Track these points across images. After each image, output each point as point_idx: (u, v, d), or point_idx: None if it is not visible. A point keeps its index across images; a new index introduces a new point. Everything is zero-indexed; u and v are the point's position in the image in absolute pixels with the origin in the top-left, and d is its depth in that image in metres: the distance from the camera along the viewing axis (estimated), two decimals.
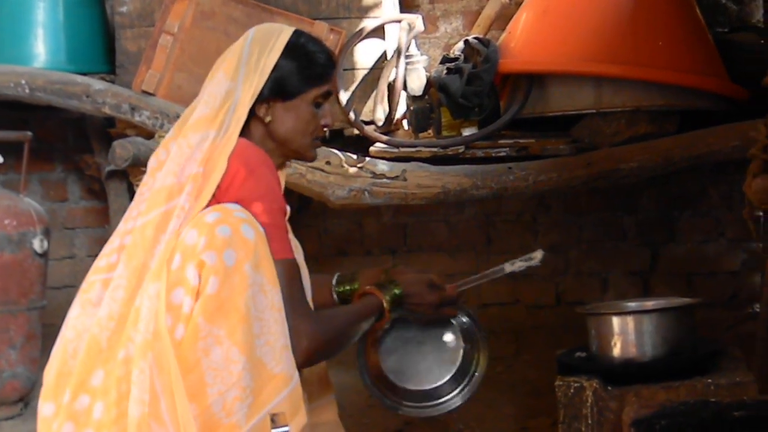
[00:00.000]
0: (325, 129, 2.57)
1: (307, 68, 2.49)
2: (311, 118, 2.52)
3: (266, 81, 2.44)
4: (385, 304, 2.59)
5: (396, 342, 2.77)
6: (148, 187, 2.42)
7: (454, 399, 2.75)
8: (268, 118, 2.47)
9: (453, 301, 2.76)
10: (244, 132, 2.43)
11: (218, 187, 2.34)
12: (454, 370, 2.75)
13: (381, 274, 2.74)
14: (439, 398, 2.74)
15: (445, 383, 2.75)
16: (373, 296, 2.60)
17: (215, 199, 2.33)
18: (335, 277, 2.78)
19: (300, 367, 2.31)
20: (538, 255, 2.70)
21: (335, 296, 2.75)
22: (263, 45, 2.47)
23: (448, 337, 2.78)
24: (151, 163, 2.46)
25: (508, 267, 2.74)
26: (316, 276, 2.63)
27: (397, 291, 2.63)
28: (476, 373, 2.75)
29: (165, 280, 2.24)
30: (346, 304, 2.72)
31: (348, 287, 2.76)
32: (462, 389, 2.76)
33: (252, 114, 2.45)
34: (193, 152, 2.37)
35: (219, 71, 2.47)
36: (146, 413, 2.19)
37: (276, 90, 2.46)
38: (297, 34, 2.51)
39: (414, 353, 2.76)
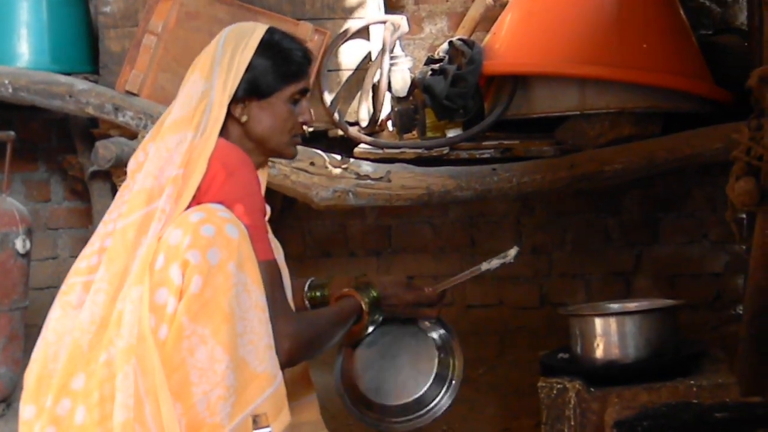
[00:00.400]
0: (304, 126, 2.57)
1: (281, 65, 2.48)
2: (288, 116, 2.51)
3: (241, 80, 2.44)
4: (363, 306, 2.59)
5: (370, 358, 2.75)
6: (128, 189, 2.41)
7: (435, 407, 2.73)
8: (244, 118, 2.47)
9: (432, 303, 2.75)
10: (222, 132, 2.42)
11: (198, 188, 2.33)
12: (431, 379, 2.73)
13: (351, 282, 2.73)
14: (421, 409, 2.72)
15: (424, 393, 2.73)
16: (352, 298, 2.60)
17: (196, 201, 2.32)
18: (308, 282, 2.78)
19: (282, 367, 2.31)
20: (512, 252, 2.69)
21: (306, 302, 2.74)
22: (236, 44, 2.46)
23: (422, 347, 2.76)
24: (131, 165, 2.46)
25: (485, 266, 2.73)
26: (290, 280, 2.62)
27: (374, 293, 2.63)
28: (453, 380, 2.74)
29: (148, 283, 2.24)
30: (315, 308, 2.72)
31: (318, 293, 2.75)
32: (442, 396, 2.74)
33: (228, 114, 2.44)
34: (171, 154, 2.36)
35: (194, 72, 2.47)
36: (131, 418, 2.19)
37: (250, 89, 2.45)
38: (270, 31, 2.50)
39: (389, 368, 2.74)
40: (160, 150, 2.39)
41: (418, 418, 2.73)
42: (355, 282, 2.72)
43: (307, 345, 2.37)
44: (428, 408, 2.72)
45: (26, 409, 2.31)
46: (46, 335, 2.34)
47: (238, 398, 2.22)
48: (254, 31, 2.49)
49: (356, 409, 2.74)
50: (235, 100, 2.45)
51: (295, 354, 2.33)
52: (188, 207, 2.32)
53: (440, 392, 2.72)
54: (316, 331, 2.42)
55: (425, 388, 2.72)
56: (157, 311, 2.22)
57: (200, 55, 2.50)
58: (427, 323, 2.77)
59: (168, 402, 2.19)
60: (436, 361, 2.73)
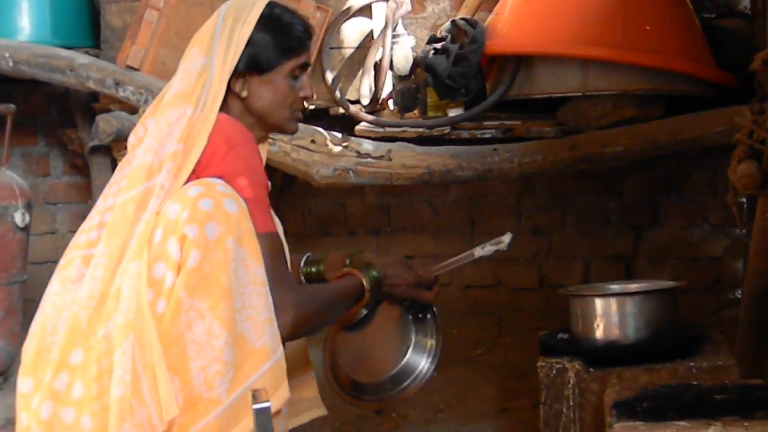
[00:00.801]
0: (305, 101, 2.55)
1: (282, 40, 2.46)
2: (289, 91, 2.50)
3: (241, 55, 2.42)
4: (365, 285, 2.58)
5: (353, 339, 2.74)
6: (128, 164, 2.40)
7: (422, 372, 2.71)
8: (244, 93, 2.45)
9: (430, 285, 2.73)
10: (223, 107, 2.41)
11: (198, 163, 2.32)
12: (411, 345, 2.70)
13: (346, 258, 2.72)
14: (409, 376, 2.71)
15: (406, 361, 2.71)
16: (353, 277, 2.58)
17: (195, 175, 2.31)
18: (304, 258, 2.76)
19: (285, 339, 2.30)
20: (506, 239, 2.67)
21: (302, 277, 2.73)
22: (236, 18, 2.44)
23: (401, 328, 2.74)
24: (131, 140, 2.45)
25: (478, 251, 2.70)
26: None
27: (375, 273, 2.61)
28: (434, 344, 2.71)
29: (146, 256, 2.23)
30: (309, 284, 2.72)
31: (314, 269, 2.75)
32: (426, 362, 2.71)
33: (229, 89, 2.43)
34: (171, 129, 2.35)
35: (194, 47, 2.45)
36: (128, 393, 2.18)
37: (251, 64, 2.44)
38: (271, 5, 2.48)
39: (368, 347, 2.73)
40: (159, 125, 2.38)
41: (410, 384, 2.71)
42: (350, 259, 2.71)
43: (310, 318, 2.36)
44: (402, 386, 2.70)
45: (24, 382, 2.31)
46: (45, 309, 2.34)
47: (235, 373, 2.22)
48: (254, 5, 2.47)
49: (340, 388, 2.73)
50: (235, 75, 2.43)
51: (298, 325, 2.32)
52: (188, 181, 2.31)
53: (424, 357, 2.70)
54: (319, 305, 2.41)
55: (399, 367, 2.70)
56: (155, 285, 2.21)
57: (200, 29, 2.49)
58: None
59: (165, 377, 2.18)
60: (413, 339, 2.70)
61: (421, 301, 2.70)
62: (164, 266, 2.21)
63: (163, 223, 2.24)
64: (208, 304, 2.20)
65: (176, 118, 2.36)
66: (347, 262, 2.71)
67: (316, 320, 2.40)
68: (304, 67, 2.52)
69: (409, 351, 2.67)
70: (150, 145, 2.36)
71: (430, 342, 2.70)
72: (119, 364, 2.19)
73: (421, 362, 2.68)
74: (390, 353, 2.69)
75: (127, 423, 2.17)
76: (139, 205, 2.30)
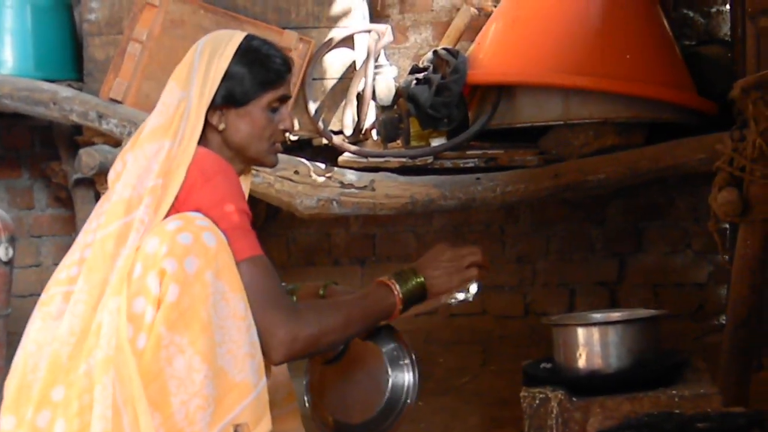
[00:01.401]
0: (285, 133, 2.55)
1: (259, 73, 2.46)
2: (267, 124, 2.49)
3: (218, 88, 2.42)
4: (396, 294, 2.44)
5: (333, 384, 2.70)
6: (107, 199, 2.40)
7: (409, 392, 2.66)
8: (221, 126, 2.45)
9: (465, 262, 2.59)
10: (202, 141, 2.40)
11: (176, 198, 2.32)
12: (384, 401, 2.66)
13: (319, 288, 2.70)
14: (396, 406, 2.67)
15: (390, 389, 2.66)
16: (382, 285, 2.46)
17: (174, 209, 2.31)
18: None
19: (280, 360, 2.28)
20: (473, 289, 2.63)
21: None
22: (213, 51, 2.44)
23: (377, 367, 2.68)
24: (110, 175, 2.45)
25: (444, 298, 2.65)
26: None
27: (417, 279, 2.49)
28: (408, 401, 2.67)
29: (125, 293, 2.23)
30: None
31: None
32: (408, 380, 2.66)
33: (207, 122, 2.43)
34: (150, 163, 2.35)
35: (171, 81, 2.45)
36: (109, 429, 2.18)
37: (228, 97, 2.43)
38: (248, 38, 2.48)
39: (347, 383, 2.68)
40: (138, 159, 2.37)
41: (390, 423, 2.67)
42: (324, 290, 2.68)
43: (309, 332, 2.29)
44: (392, 417, 2.66)
45: (6, 419, 2.30)
46: (26, 346, 2.33)
47: (216, 407, 2.21)
48: (231, 39, 2.47)
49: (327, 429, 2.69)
50: (212, 108, 2.43)
51: (294, 342, 2.27)
52: (168, 216, 2.30)
53: (400, 398, 2.66)
54: (321, 318, 2.32)
55: (385, 399, 2.65)
56: (135, 320, 2.20)
57: (179, 64, 2.49)
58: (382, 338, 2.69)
59: (146, 412, 2.18)
60: (389, 370, 2.65)
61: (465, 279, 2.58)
62: (144, 301, 2.21)
63: (142, 257, 2.23)
64: (188, 339, 2.19)
65: (154, 152, 2.36)
66: (320, 292, 2.70)
67: (317, 333, 2.31)
68: (283, 99, 2.52)
69: (390, 381, 2.65)
70: (128, 180, 2.36)
71: (407, 367, 2.65)
72: (99, 400, 2.18)
73: (405, 384, 2.64)
74: (371, 387, 2.66)
75: None
76: (118, 240, 2.30)
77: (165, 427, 2.18)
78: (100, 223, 2.35)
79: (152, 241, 2.23)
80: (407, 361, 2.61)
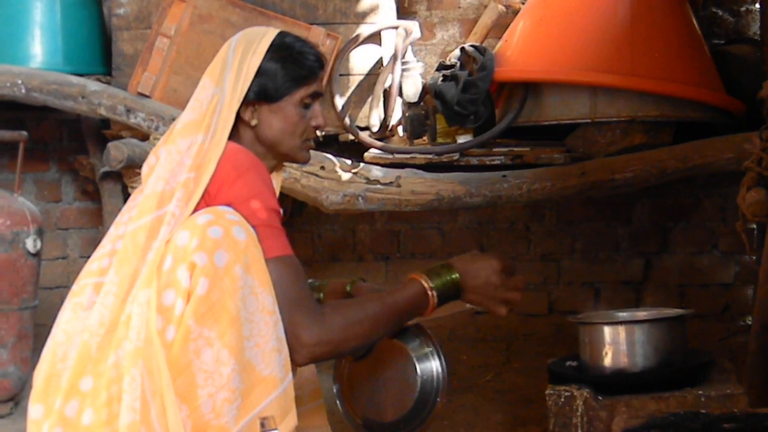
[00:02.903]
0: (317, 130, 2.56)
1: (292, 69, 2.47)
2: (299, 120, 2.50)
3: (251, 84, 2.43)
4: (428, 290, 2.42)
5: (362, 382, 2.70)
6: (140, 192, 2.42)
7: (438, 389, 2.66)
8: (254, 122, 2.46)
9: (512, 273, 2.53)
10: (234, 136, 2.42)
11: (207, 191, 2.32)
12: (418, 372, 2.66)
13: (347, 285, 2.70)
14: (426, 404, 2.67)
15: (420, 389, 2.66)
16: (414, 281, 2.44)
17: (205, 203, 2.32)
18: None
19: (303, 363, 2.29)
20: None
21: None
22: (246, 47, 2.45)
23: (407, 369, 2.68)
24: (144, 169, 2.46)
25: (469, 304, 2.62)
26: None
27: (452, 275, 2.45)
28: (440, 368, 2.66)
29: (155, 284, 2.24)
30: None
31: (314, 295, 2.73)
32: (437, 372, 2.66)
33: (240, 118, 2.44)
34: (182, 158, 2.36)
35: (205, 77, 2.47)
36: (137, 420, 2.19)
37: (261, 93, 2.44)
38: (282, 35, 2.49)
39: (375, 380, 2.68)
40: (171, 153, 2.39)
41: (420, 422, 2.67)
42: (351, 286, 2.68)
43: (333, 335, 2.29)
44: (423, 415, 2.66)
45: (34, 408, 2.32)
46: (56, 335, 2.35)
47: (243, 401, 2.22)
48: (265, 35, 2.48)
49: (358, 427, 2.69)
50: (245, 104, 2.44)
51: (318, 345, 2.27)
52: (197, 209, 2.31)
53: (429, 396, 2.65)
54: (346, 320, 2.31)
55: (408, 410, 2.65)
56: (165, 313, 2.22)
57: (213, 61, 2.50)
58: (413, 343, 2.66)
59: (173, 404, 2.19)
60: (417, 368, 2.65)
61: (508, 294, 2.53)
62: (174, 294, 2.22)
63: (173, 250, 2.25)
64: (216, 333, 2.20)
65: (187, 147, 2.37)
66: (348, 289, 2.70)
67: (342, 336, 2.30)
68: (315, 96, 2.52)
69: (419, 379, 2.65)
70: (161, 174, 2.37)
71: (435, 364, 2.65)
72: (128, 391, 2.20)
73: (435, 382, 2.64)
74: (400, 385, 2.66)
75: None
76: (150, 233, 2.31)
77: (192, 419, 2.19)
78: (132, 216, 2.36)
79: (183, 235, 2.25)
80: (435, 357, 2.61)
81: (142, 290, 2.25)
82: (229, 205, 2.31)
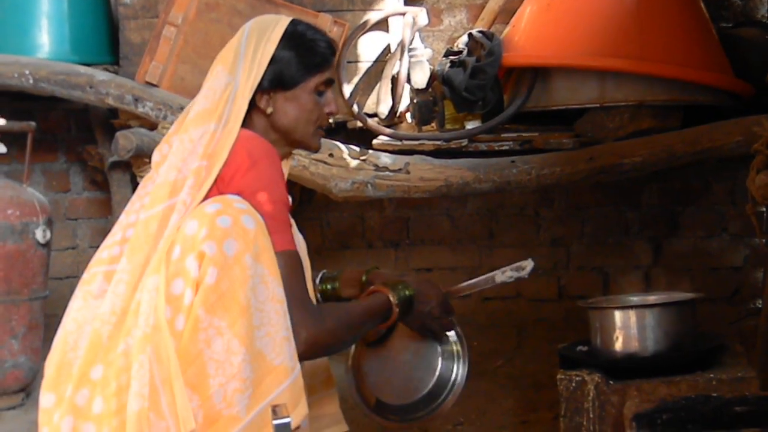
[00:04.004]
0: (330, 117, 2.56)
1: (306, 57, 2.47)
2: (314, 107, 2.51)
3: (265, 72, 2.43)
4: (393, 305, 2.54)
5: (376, 364, 2.72)
6: (151, 181, 2.41)
7: (456, 380, 2.69)
8: (269, 110, 2.47)
9: (449, 310, 2.69)
10: (247, 124, 2.42)
11: (221, 177, 2.33)
12: (439, 356, 2.70)
13: (362, 275, 2.72)
14: (444, 389, 2.69)
15: (439, 373, 2.69)
16: (382, 294, 2.55)
17: (217, 190, 2.32)
18: (319, 275, 2.77)
19: (300, 359, 2.31)
20: (527, 266, 2.64)
21: (318, 294, 2.73)
22: (260, 36, 2.46)
23: (426, 346, 2.72)
24: (155, 157, 2.46)
25: (499, 277, 2.64)
26: None
27: (408, 292, 2.57)
28: (461, 349, 2.70)
29: (164, 272, 2.24)
30: (327, 302, 2.72)
31: (329, 286, 2.75)
32: (457, 368, 2.70)
33: (253, 105, 2.45)
34: (195, 146, 2.36)
35: (218, 65, 2.47)
36: (145, 407, 2.19)
37: (276, 80, 2.45)
38: (294, 23, 2.50)
39: (394, 364, 2.71)
40: (183, 142, 2.39)
41: (436, 406, 2.70)
42: (366, 276, 2.71)
43: (327, 336, 2.34)
44: (439, 400, 2.69)
45: (46, 396, 2.32)
46: (67, 324, 2.35)
47: (254, 390, 2.22)
48: (278, 23, 2.49)
49: (380, 416, 2.71)
50: (260, 92, 2.44)
51: (314, 346, 2.31)
52: (208, 195, 2.32)
53: (449, 381, 2.69)
54: (337, 323, 2.38)
55: (427, 389, 2.68)
56: (174, 302, 2.22)
57: (224, 48, 2.50)
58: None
59: (182, 392, 2.19)
60: (438, 350, 2.70)
61: (442, 325, 2.69)
62: (182, 283, 2.22)
63: (181, 240, 2.25)
64: (226, 322, 2.20)
65: (200, 135, 2.37)
66: (363, 278, 2.71)
67: (333, 339, 2.37)
68: (328, 83, 2.54)
69: (439, 363, 2.67)
70: (174, 162, 2.37)
71: (456, 347, 2.69)
72: (136, 377, 2.20)
73: (453, 370, 2.67)
74: (419, 369, 2.68)
75: None
76: (162, 221, 2.31)
77: (203, 409, 2.19)
78: (144, 204, 2.36)
79: (191, 224, 2.25)
80: (460, 358, 2.64)
81: (150, 277, 2.25)
82: (239, 194, 2.31)
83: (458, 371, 2.67)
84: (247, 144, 2.36)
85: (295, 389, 2.27)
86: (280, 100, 2.47)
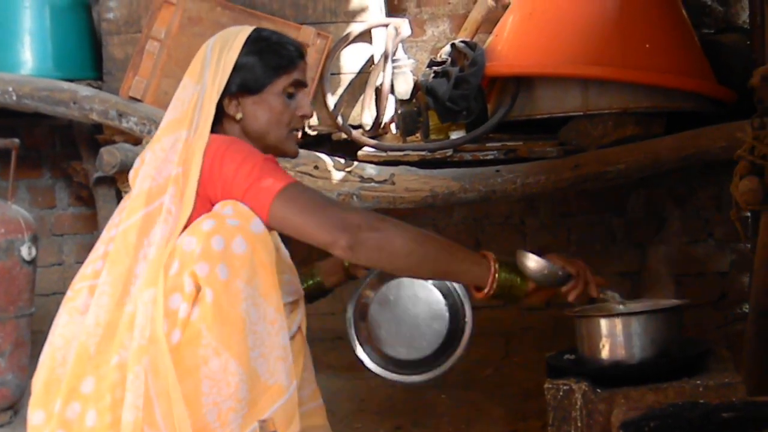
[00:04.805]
0: (304, 120, 2.58)
1: (270, 59, 2.50)
2: (284, 109, 2.52)
3: (231, 77, 2.46)
4: (495, 273, 2.45)
5: (384, 316, 2.76)
6: (128, 196, 2.44)
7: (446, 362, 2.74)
8: (239, 115, 2.49)
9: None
10: (219, 132, 2.45)
11: (200, 183, 2.34)
12: (442, 338, 2.74)
13: (340, 263, 2.74)
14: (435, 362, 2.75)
15: (436, 350, 2.75)
16: (485, 263, 2.46)
17: (203, 192, 2.33)
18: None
19: (355, 252, 2.29)
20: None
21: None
22: (223, 45, 2.50)
23: (431, 301, 2.77)
24: (130, 175, 2.49)
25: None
26: None
27: (518, 280, 2.50)
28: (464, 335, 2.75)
29: (162, 286, 2.25)
30: (317, 299, 2.74)
31: (311, 282, 2.77)
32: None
33: (225, 113, 2.47)
34: (167, 154, 2.39)
35: (185, 78, 2.51)
36: (140, 418, 2.20)
37: (242, 85, 2.48)
38: (258, 30, 2.55)
39: (403, 323, 2.75)
40: (156, 152, 2.42)
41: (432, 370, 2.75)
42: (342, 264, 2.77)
43: (371, 225, 2.30)
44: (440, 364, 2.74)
45: (35, 414, 2.33)
46: (54, 340, 2.35)
47: (249, 410, 2.25)
48: (240, 31, 2.54)
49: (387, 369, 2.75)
50: (228, 97, 2.47)
51: (359, 235, 2.29)
52: (196, 201, 2.32)
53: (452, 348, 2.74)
54: (393, 225, 2.32)
55: (437, 346, 2.73)
56: (170, 316, 2.24)
57: (192, 61, 2.53)
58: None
59: (180, 403, 2.20)
60: (447, 315, 2.73)
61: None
62: (179, 298, 2.24)
63: (180, 255, 2.27)
64: (224, 343, 2.22)
65: (171, 144, 2.40)
66: (346, 264, 2.73)
67: (384, 233, 2.31)
68: (297, 84, 2.55)
69: (447, 318, 2.70)
70: (148, 172, 2.40)
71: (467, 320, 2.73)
72: (131, 389, 2.21)
73: (460, 325, 2.72)
74: (423, 327, 2.72)
75: None
76: (141, 230, 2.33)
77: (195, 426, 2.20)
78: (122, 218, 2.38)
79: (189, 240, 2.27)
80: (461, 305, 2.68)
81: (146, 289, 2.26)
82: (225, 181, 2.32)
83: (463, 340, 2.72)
84: (213, 143, 2.38)
85: (289, 407, 2.29)
86: (249, 105, 2.50)
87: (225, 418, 2.22)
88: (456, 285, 2.80)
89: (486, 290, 2.46)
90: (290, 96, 2.54)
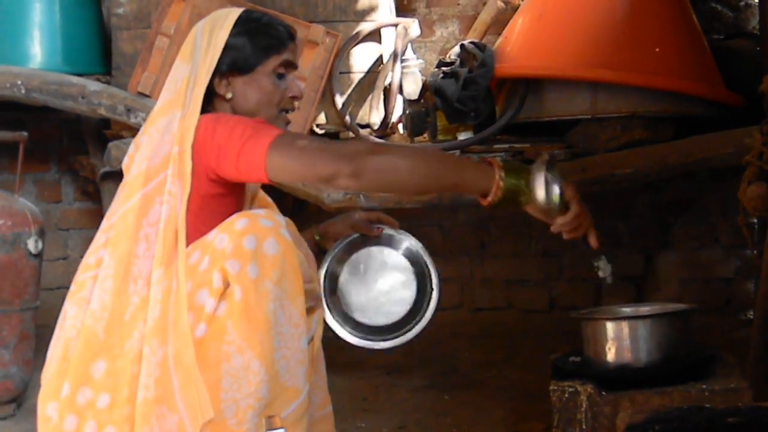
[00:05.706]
0: (294, 101, 2.58)
1: (260, 40, 2.51)
2: (274, 89, 2.53)
3: (221, 57, 2.47)
4: (498, 178, 2.42)
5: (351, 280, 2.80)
6: (124, 184, 2.44)
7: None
8: (229, 95, 2.50)
9: None
10: (210, 112, 2.46)
11: (193, 159, 2.34)
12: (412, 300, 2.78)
13: (315, 235, 2.82)
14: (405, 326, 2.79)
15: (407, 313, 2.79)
16: (489, 170, 2.43)
17: (197, 167, 2.34)
18: None
19: (361, 179, 2.29)
20: (606, 270, 2.72)
21: None
22: (213, 26, 2.51)
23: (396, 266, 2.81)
24: (125, 161, 2.49)
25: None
26: None
27: (521, 182, 2.46)
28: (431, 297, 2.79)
29: (183, 276, 2.25)
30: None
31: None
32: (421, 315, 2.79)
33: (216, 93, 2.48)
34: (163, 135, 2.40)
35: (177, 60, 2.52)
36: (151, 397, 2.21)
37: (232, 64, 2.49)
38: (248, 11, 2.56)
39: (370, 289, 2.79)
40: (151, 134, 2.44)
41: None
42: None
43: (373, 150, 2.32)
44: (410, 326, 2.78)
45: (48, 406, 2.33)
46: (67, 333, 2.35)
47: (265, 410, 2.26)
48: (230, 12, 2.55)
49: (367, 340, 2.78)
50: (219, 77, 2.48)
51: (365, 161, 2.29)
52: (193, 176, 2.33)
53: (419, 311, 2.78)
54: (392, 148, 2.37)
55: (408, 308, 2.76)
56: (196, 310, 2.25)
57: (183, 44, 2.55)
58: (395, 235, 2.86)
59: (201, 382, 2.21)
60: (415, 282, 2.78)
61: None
62: (207, 293, 2.26)
63: (211, 251, 2.28)
64: (249, 342, 2.23)
65: (166, 124, 2.41)
66: (317, 238, 2.78)
67: (385, 154, 2.32)
68: (287, 65, 2.56)
69: (414, 287, 2.75)
70: (145, 154, 2.41)
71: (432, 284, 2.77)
72: (144, 366, 2.22)
73: (428, 293, 2.76)
74: (393, 293, 2.76)
75: (150, 426, 2.19)
76: (140, 211, 2.35)
77: (212, 421, 2.22)
78: (120, 203, 2.39)
79: (221, 237, 2.28)
80: (428, 273, 2.71)
81: (155, 269, 2.27)
82: (217, 152, 2.33)
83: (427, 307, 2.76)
84: (203, 120, 2.39)
85: (301, 410, 2.30)
86: (239, 85, 2.51)
87: (243, 416, 2.23)
88: (422, 252, 2.82)
89: (490, 198, 2.44)
90: (280, 77, 2.55)
